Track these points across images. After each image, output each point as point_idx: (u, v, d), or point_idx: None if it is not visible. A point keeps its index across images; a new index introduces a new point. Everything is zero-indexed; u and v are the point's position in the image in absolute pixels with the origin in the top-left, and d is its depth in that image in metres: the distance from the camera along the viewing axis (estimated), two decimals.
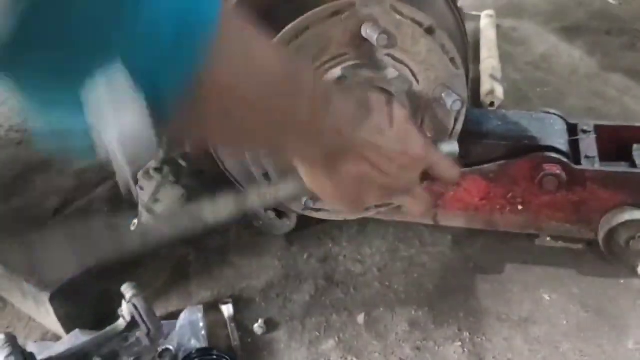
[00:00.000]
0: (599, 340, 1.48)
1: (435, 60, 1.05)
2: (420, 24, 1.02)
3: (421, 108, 1.10)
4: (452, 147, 0.93)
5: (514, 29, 2.95)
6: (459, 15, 1.19)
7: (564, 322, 1.53)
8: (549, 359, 1.45)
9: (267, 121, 0.68)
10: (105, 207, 2.15)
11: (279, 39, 0.98)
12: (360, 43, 1.01)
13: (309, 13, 0.98)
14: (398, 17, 1.00)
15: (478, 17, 3.07)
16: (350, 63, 1.02)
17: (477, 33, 2.94)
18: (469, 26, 3.01)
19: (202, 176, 1.81)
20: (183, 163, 1.79)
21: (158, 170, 1.77)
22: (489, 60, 2.58)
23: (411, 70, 1.06)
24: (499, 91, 2.35)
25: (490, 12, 3.10)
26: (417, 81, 1.07)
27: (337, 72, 1.01)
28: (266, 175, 1.10)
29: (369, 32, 0.98)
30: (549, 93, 2.45)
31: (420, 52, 1.04)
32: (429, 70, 1.06)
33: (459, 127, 1.15)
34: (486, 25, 2.92)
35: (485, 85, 2.40)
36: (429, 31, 1.03)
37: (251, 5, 1.10)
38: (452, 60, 1.07)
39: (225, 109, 0.60)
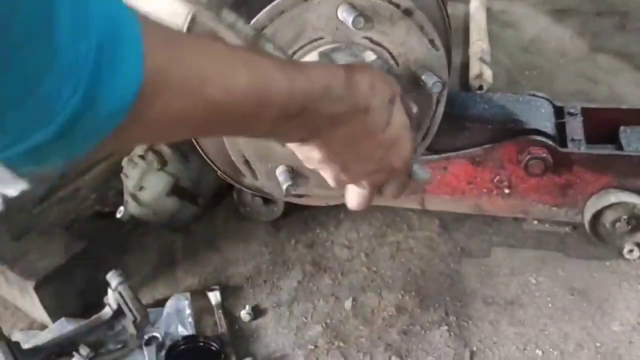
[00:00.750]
0: (584, 323, 1.48)
1: (415, 42, 1.04)
2: (397, 6, 1.00)
3: (402, 91, 1.08)
4: (424, 174, 0.83)
5: (503, 12, 2.92)
6: None
7: (550, 305, 1.54)
8: (534, 341, 1.45)
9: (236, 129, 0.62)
10: (91, 194, 2.14)
11: (253, 24, 0.96)
12: (337, 26, 0.99)
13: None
14: None
15: (468, 0, 3.05)
16: (327, 47, 1.00)
17: (467, 16, 2.92)
18: (459, 9, 2.99)
19: (187, 162, 1.80)
20: (167, 149, 1.78)
21: (142, 157, 1.76)
22: (478, 43, 2.56)
23: (390, 53, 1.04)
24: (488, 74, 2.34)
25: None
26: (397, 63, 1.05)
27: (313, 56, 1.00)
28: (246, 162, 1.09)
29: (344, 15, 0.96)
30: (538, 76, 2.43)
31: (399, 34, 1.03)
32: (409, 52, 1.05)
33: (441, 109, 1.14)
34: (476, 8, 2.90)
35: (474, 68, 2.38)
36: (407, 13, 1.02)
37: None
38: (431, 41, 1.05)
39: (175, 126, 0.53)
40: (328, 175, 0.74)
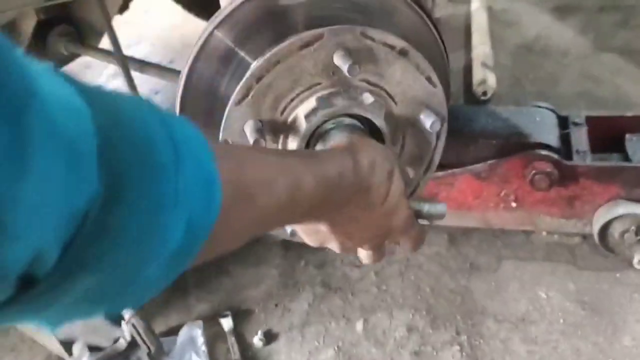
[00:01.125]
0: (595, 338, 1.48)
1: (411, 80, 1.04)
2: (392, 47, 1.00)
3: (400, 128, 1.08)
4: (440, 209, 0.88)
5: (505, 11, 2.90)
6: (435, 27, 1.17)
7: (561, 321, 1.54)
8: (546, 359, 1.45)
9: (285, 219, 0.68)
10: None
11: (250, 76, 0.97)
12: (333, 71, 0.99)
13: (278, 47, 0.96)
14: (369, 42, 0.99)
15: (469, 0, 3.03)
16: (325, 92, 1.00)
17: (468, 16, 2.90)
18: (460, 9, 2.98)
19: None
20: None
21: None
22: (481, 47, 2.54)
23: (387, 93, 1.04)
24: (492, 80, 2.33)
25: None
26: (395, 103, 1.05)
27: (311, 102, 1.00)
28: None
29: (340, 62, 0.96)
30: (541, 78, 2.42)
31: (395, 74, 1.02)
32: (406, 91, 1.05)
33: (442, 143, 1.14)
34: (477, 9, 2.88)
35: (477, 74, 2.37)
36: (403, 53, 1.01)
37: (225, 36, 1.09)
38: (428, 79, 1.05)
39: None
40: (333, 245, 0.77)
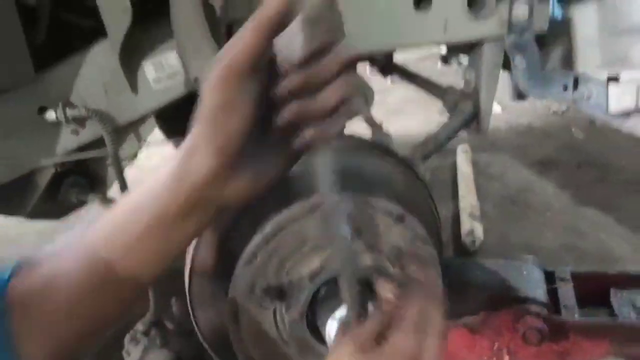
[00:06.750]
0: None
1: (407, 243, 1.12)
2: (390, 214, 1.09)
3: (399, 287, 1.14)
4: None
5: (489, 164, 3.08)
6: (427, 192, 1.28)
7: None
8: None
9: None
10: None
11: (259, 238, 1.05)
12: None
13: (284, 214, 1.05)
14: (369, 210, 1.08)
15: (454, 152, 3.23)
16: (327, 251, 1.08)
17: (454, 168, 3.07)
18: (446, 161, 3.16)
19: (191, 338, 1.81)
20: (170, 325, 1.80)
21: (145, 333, 1.78)
22: (467, 198, 2.68)
23: (385, 255, 1.11)
24: (479, 231, 2.43)
25: (465, 147, 3.26)
26: (392, 264, 1.12)
27: (315, 261, 1.07)
28: None
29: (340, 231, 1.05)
30: (526, 229, 2.52)
31: (393, 237, 1.11)
32: (402, 253, 1.12)
33: None
34: (462, 161, 3.06)
35: (465, 225, 2.47)
36: (399, 219, 1.10)
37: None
38: (424, 240, 1.13)
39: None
40: None
